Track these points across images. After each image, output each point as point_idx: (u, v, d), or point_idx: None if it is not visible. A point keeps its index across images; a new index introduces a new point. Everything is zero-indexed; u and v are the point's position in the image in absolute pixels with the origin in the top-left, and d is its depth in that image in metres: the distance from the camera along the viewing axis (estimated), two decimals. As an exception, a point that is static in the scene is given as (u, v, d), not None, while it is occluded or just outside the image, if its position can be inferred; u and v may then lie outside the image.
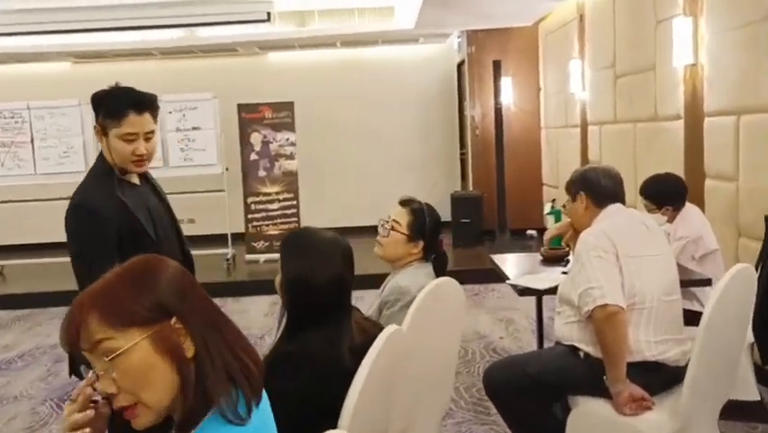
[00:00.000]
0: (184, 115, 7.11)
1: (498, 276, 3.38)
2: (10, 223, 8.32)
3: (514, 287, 2.95)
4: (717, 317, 2.16)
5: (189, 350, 1.05)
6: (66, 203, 2.12)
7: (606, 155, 5.84)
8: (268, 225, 7.40)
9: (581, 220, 2.62)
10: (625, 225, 2.45)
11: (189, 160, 7.14)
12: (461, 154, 9.04)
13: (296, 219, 7.41)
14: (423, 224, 2.43)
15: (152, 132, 2.11)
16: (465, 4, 6.42)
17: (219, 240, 7.46)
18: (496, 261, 3.48)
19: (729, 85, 3.71)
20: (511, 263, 3.51)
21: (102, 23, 7.40)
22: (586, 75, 6.24)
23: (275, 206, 7.42)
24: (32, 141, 7.12)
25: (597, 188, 2.55)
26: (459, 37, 8.45)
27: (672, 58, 4.29)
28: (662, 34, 4.51)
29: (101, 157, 2.14)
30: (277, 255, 1.85)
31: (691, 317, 2.50)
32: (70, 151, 7.12)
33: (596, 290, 2.29)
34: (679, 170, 4.32)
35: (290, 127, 7.38)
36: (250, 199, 7.39)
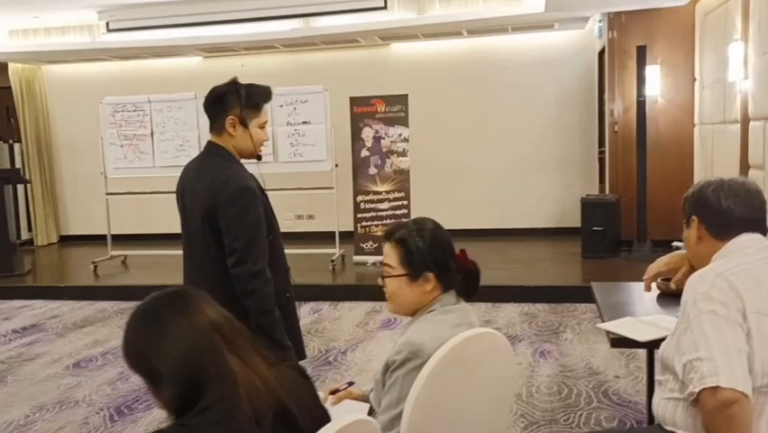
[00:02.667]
0: (294, 109, 6.87)
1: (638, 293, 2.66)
2: (132, 213, 8.56)
3: (607, 334, 2.23)
4: None
5: None
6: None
7: (770, 158, 4.76)
8: (377, 226, 6.98)
9: (697, 254, 1.90)
10: (759, 267, 1.68)
11: (299, 155, 6.91)
12: (600, 153, 8.07)
13: (406, 221, 6.91)
14: (413, 252, 1.80)
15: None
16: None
17: (329, 239, 7.19)
18: (596, 291, 2.74)
19: None
20: (620, 295, 2.76)
21: (222, 15, 7.38)
22: (749, 60, 5.15)
23: (385, 205, 6.98)
24: (151, 134, 7.22)
25: (715, 212, 1.81)
26: (600, 21, 7.50)
27: None
28: None
29: (218, 146, 2.30)
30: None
31: None
32: (186, 144, 7.14)
33: (705, 364, 1.56)
34: None
35: (404, 122, 6.89)
36: (359, 198, 7.01)
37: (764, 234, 1.82)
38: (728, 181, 1.90)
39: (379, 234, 6.94)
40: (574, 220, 7.45)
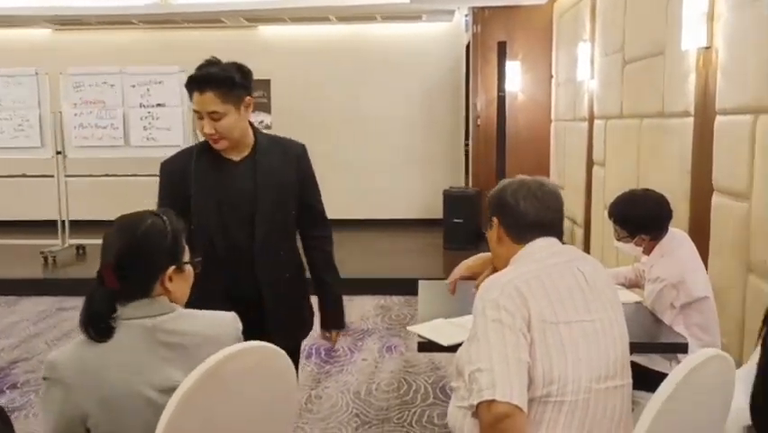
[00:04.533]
0: (148, 90, 6.46)
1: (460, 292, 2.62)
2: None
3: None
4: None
5: None
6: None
7: (610, 156, 4.97)
8: (237, 216, 6.71)
9: (498, 256, 1.85)
10: (549, 274, 1.64)
11: (152, 139, 6.51)
12: (466, 146, 8.21)
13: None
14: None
15: (215, 112, 2.03)
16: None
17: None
18: (421, 290, 2.69)
19: (747, 75, 2.84)
20: (443, 294, 2.72)
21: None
22: (595, 61, 5.35)
23: (246, 194, 6.72)
24: (-15, 111, 6.56)
25: (513, 214, 1.76)
26: (466, 15, 7.58)
27: (681, 39, 3.41)
28: (674, 9, 3.62)
29: None
30: None
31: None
32: (26, 124, 6.54)
33: (484, 376, 1.50)
34: (685, 181, 3.48)
35: (266, 108, 6.68)
36: (219, 186, 6.70)
37: (559, 237, 1.80)
38: (528, 182, 1.85)
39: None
40: (440, 211, 7.53)
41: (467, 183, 7.99)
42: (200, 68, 2.07)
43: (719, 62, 3.10)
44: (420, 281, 2.82)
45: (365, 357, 4.17)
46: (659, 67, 3.88)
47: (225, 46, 7.92)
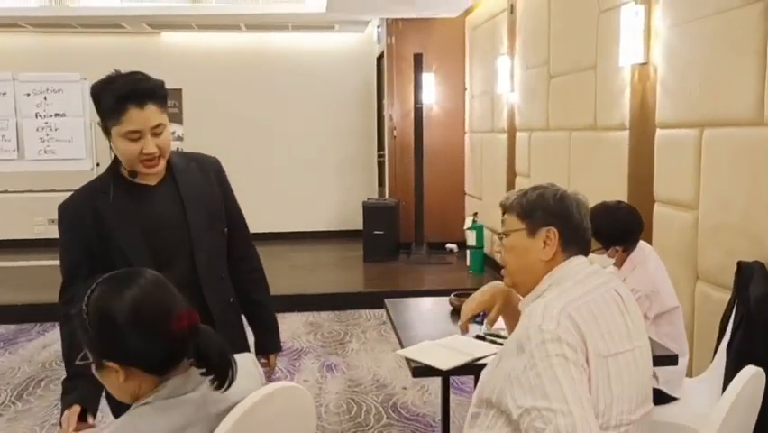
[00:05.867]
0: (45, 99, 5.96)
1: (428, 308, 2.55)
2: None
3: (408, 361, 2.07)
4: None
5: None
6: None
7: (535, 168, 5.10)
8: (147, 233, 6.32)
9: (535, 271, 1.62)
10: (594, 300, 1.52)
11: (51, 152, 5.99)
12: (379, 157, 8.19)
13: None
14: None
15: (160, 125, 1.78)
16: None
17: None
18: (390, 310, 2.59)
19: (689, 90, 2.97)
20: (412, 312, 2.65)
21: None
22: (515, 74, 5.49)
23: (156, 210, 6.34)
24: None
25: (572, 224, 1.59)
26: (378, 26, 7.58)
27: (617, 55, 3.54)
28: (605, 26, 3.76)
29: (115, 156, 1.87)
30: None
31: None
32: None
33: (560, 418, 1.36)
34: (622, 192, 3.60)
35: (177, 119, 6.34)
36: (126, 202, 6.29)
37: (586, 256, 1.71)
38: (573, 196, 1.72)
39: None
40: (356, 223, 7.44)
41: (381, 194, 7.97)
42: (125, 77, 1.76)
43: (658, 77, 3.23)
44: (386, 300, 2.71)
45: (306, 378, 4.01)
46: (589, 81, 4.01)
47: (129, 53, 7.55)
